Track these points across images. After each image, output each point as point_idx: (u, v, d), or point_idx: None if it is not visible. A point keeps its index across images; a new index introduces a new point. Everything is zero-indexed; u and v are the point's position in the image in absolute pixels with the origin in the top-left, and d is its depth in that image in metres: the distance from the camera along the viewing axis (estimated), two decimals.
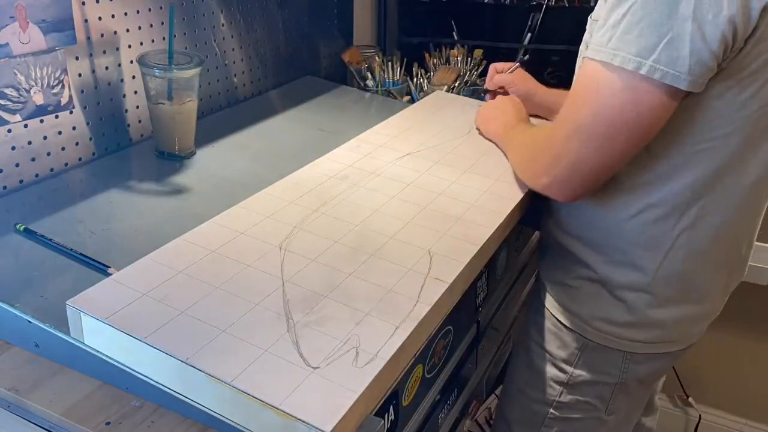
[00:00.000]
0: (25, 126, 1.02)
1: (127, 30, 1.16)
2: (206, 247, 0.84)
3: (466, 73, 1.64)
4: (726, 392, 1.88)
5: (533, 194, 1.10)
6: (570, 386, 1.06)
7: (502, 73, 1.32)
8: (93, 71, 1.12)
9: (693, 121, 0.86)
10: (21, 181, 1.04)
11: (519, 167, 1.04)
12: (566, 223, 1.03)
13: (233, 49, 1.42)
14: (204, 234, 0.87)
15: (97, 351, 0.72)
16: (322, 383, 0.64)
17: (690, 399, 1.92)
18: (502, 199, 1.02)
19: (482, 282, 0.99)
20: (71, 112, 1.09)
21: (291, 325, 0.71)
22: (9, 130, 1.00)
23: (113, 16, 1.13)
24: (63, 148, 1.09)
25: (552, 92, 1.30)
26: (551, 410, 1.08)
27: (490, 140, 1.20)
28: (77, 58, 1.08)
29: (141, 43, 1.19)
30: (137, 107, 1.21)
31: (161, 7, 1.21)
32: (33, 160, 1.05)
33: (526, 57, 1.33)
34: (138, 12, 1.17)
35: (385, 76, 1.64)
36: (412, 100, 1.59)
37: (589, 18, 0.98)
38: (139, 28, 1.18)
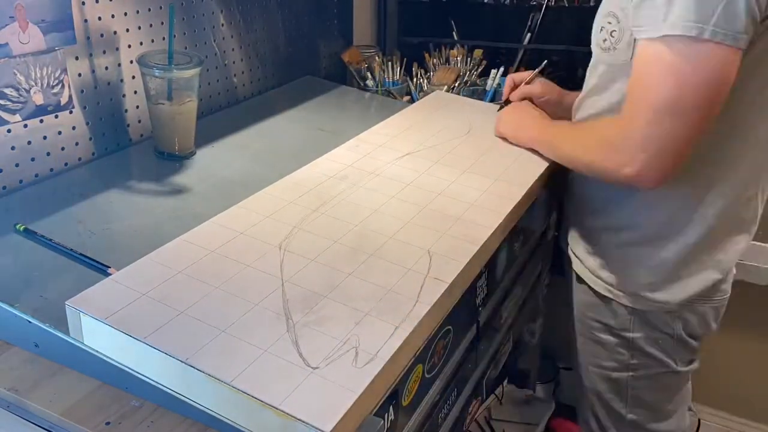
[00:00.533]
0: (25, 126, 1.02)
1: (127, 30, 1.16)
2: (206, 247, 0.84)
3: (465, 73, 1.64)
4: (726, 393, 1.88)
5: (533, 192, 1.10)
6: (635, 348, 1.13)
7: (521, 83, 1.30)
8: (93, 71, 1.12)
9: (748, 81, 0.93)
10: (21, 181, 1.04)
11: (589, 164, 1.03)
12: (590, 192, 1.12)
13: (233, 49, 1.42)
14: (204, 234, 0.87)
15: (97, 351, 0.72)
16: (321, 383, 0.64)
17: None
18: (502, 199, 1.02)
19: (482, 282, 0.99)
20: (71, 112, 1.09)
21: (291, 325, 0.71)
22: (9, 130, 1.00)
23: (113, 16, 1.13)
24: (63, 148, 1.09)
25: (575, 95, 1.27)
26: (629, 374, 1.16)
27: (523, 146, 1.19)
28: (77, 58, 1.08)
29: (141, 43, 1.19)
30: (137, 107, 1.21)
31: (161, 7, 1.21)
32: (33, 160, 1.05)
33: (545, 63, 1.33)
34: (138, 12, 1.17)
35: (385, 76, 1.64)
36: (412, 100, 1.59)
37: (603, 8, 1.02)
38: (139, 28, 1.18)
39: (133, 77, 1.19)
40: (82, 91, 1.11)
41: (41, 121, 1.05)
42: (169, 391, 0.68)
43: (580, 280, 1.18)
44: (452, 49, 1.70)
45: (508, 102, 1.30)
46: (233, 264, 0.81)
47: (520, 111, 1.25)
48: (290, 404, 0.61)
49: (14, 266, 0.86)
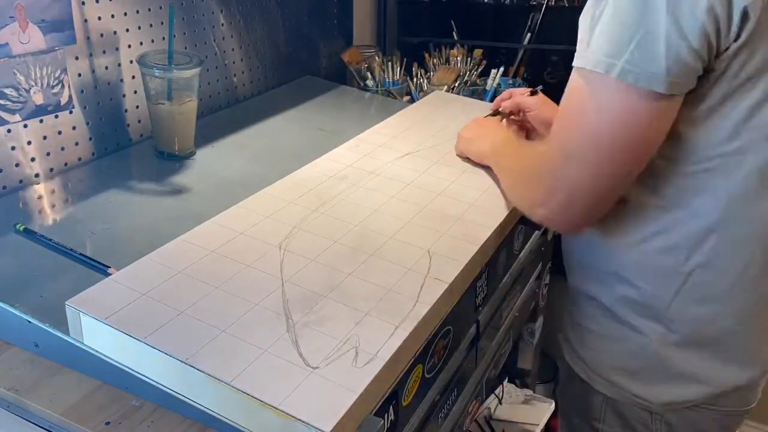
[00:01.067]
0: (25, 126, 1.02)
1: (127, 30, 1.16)
2: (206, 247, 0.84)
3: (465, 73, 1.64)
4: None
5: None
6: None
7: (516, 94, 1.22)
8: (93, 71, 1.12)
9: (695, 134, 0.76)
10: (21, 181, 1.04)
11: (512, 197, 0.96)
12: (567, 249, 0.96)
13: (233, 49, 1.42)
14: (203, 234, 0.87)
15: (97, 351, 0.72)
16: (321, 383, 0.64)
17: None
18: (502, 199, 1.02)
19: (482, 282, 0.99)
20: (71, 112, 1.09)
21: (290, 325, 0.71)
22: (9, 130, 1.00)
23: (113, 16, 1.13)
24: (62, 148, 1.09)
25: None
26: None
27: (476, 163, 1.11)
28: (77, 58, 1.08)
29: (141, 43, 1.19)
30: (137, 107, 1.21)
31: (161, 7, 1.21)
32: (33, 160, 1.05)
33: (540, 88, 1.24)
34: (138, 12, 1.17)
35: (385, 76, 1.64)
36: (412, 100, 1.59)
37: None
38: (139, 28, 1.18)
39: (133, 77, 1.19)
40: (82, 91, 1.11)
41: (41, 121, 1.05)
42: (169, 391, 0.68)
43: (561, 353, 1.02)
44: (452, 49, 1.70)
45: (497, 112, 1.24)
46: (233, 264, 0.81)
47: (479, 125, 1.16)
48: (290, 404, 0.61)
49: (14, 266, 0.86)
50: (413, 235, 0.90)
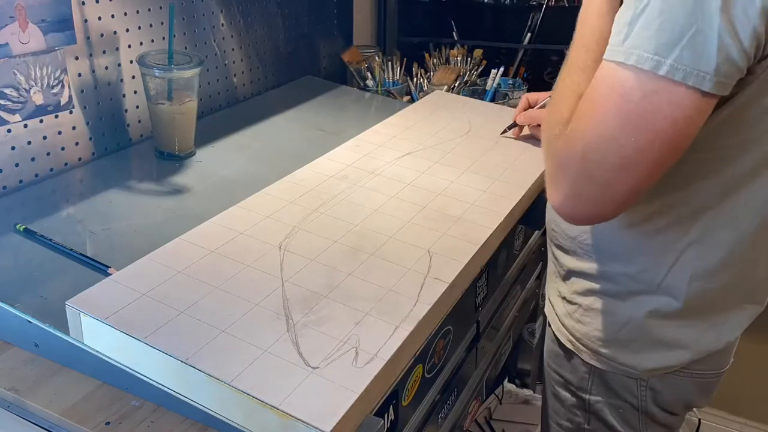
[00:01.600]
0: (25, 126, 1.02)
1: (127, 30, 1.16)
2: (206, 247, 0.84)
3: (465, 73, 1.64)
4: (726, 393, 1.88)
5: (533, 192, 1.10)
6: (591, 412, 0.96)
7: (535, 104, 1.22)
8: (93, 71, 1.12)
9: (705, 129, 0.74)
10: (21, 181, 1.04)
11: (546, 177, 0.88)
12: (557, 225, 0.95)
13: (233, 49, 1.42)
14: (203, 234, 0.87)
15: (97, 351, 0.72)
16: (321, 383, 0.64)
17: None
18: (502, 199, 1.02)
19: (482, 282, 0.99)
20: (71, 112, 1.09)
21: (291, 325, 0.71)
22: (9, 130, 1.00)
23: (113, 16, 1.13)
24: (63, 148, 1.09)
25: None
26: None
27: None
28: (77, 58, 1.08)
29: (141, 43, 1.19)
30: (137, 107, 1.21)
31: (161, 7, 1.21)
32: (33, 160, 1.05)
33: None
34: (138, 12, 1.17)
35: (385, 76, 1.64)
36: (412, 100, 1.59)
37: None
38: (139, 28, 1.18)
39: (133, 77, 1.19)
40: (82, 91, 1.11)
41: (41, 121, 1.05)
42: (169, 391, 0.68)
43: (548, 324, 1.03)
44: (452, 49, 1.70)
45: (514, 125, 1.24)
46: (233, 264, 0.81)
47: None
48: (290, 404, 0.61)
49: (14, 266, 0.86)
50: (413, 235, 0.90)
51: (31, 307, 0.77)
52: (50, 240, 0.89)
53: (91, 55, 1.11)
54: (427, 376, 0.84)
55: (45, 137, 1.06)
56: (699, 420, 1.90)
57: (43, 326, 0.74)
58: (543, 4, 1.70)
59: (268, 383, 0.63)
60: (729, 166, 0.80)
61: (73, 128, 1.11)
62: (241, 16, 1.42)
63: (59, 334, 0.73)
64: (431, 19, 1.85)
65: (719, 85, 0.69)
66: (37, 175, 1.06)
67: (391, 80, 1.64)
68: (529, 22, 1.72)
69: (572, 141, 0.77)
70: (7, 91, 0.98)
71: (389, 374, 0.70)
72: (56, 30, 1.02)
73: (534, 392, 1.71)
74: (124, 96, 1.19)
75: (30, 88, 1.01)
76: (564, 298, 0.96)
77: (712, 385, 0.95)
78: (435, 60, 1.69)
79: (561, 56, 1.73)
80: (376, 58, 1.68)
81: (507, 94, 1.60)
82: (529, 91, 1.63)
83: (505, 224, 0.98)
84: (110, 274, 0.80)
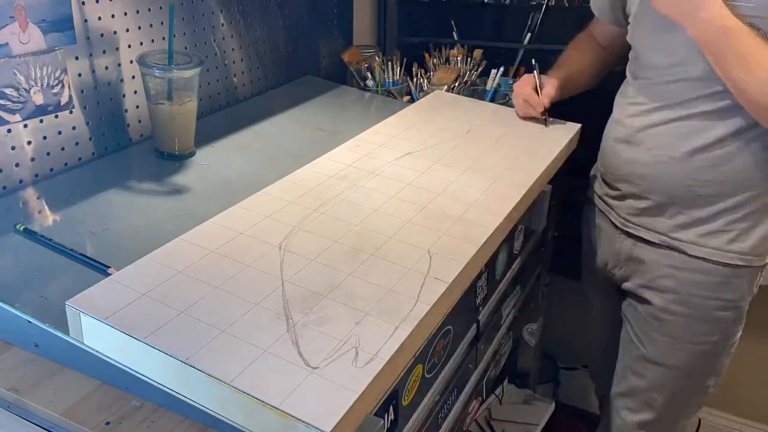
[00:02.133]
0: (25, 126, 1.02)
1: (127, 30, 1.16)
2: (206, 247, 0.84)
3: (466, 73, 1.64)
4: (726, 393, 1.88)
5: (533, 192, 1.10)
6: (742, 317, 1.19)
7: (536, 87, 1.31)
8: (93, 71, 1.12)
9: None
10: (21, 181, 1.04)
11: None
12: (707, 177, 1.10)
13: (233, 49, 1.42)
14: (203, 234, 0.87)
15: (97, 351, 0.72)
16: (321, 383, 0.64)
17: None
18: (502, 199, 1.02)
19: (482, 282, 0.99)
20: (71, 112, 1.09)
21: (291, 325, 0.71)
22: (9, 130, 1.00)
23: (113, 16, 1.13)
24: (63, 148, 1.09)
25: (561, 72, 1.33)
26: (729, 342, 1.21)
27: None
28: (77, 58, 1.08)
29: (141, 43, 1.19)
30: (137, 107, 1.21)
31: (161, 7, 1.21)
32: (33, 160, 1.05)
33: (534, 61, 1.36)
34: (138, 12, 1.17)
35: (385, 76, 1.64)
36: (412, 100, 1.59)
37: None
38: (139, 28, 1.18)
39: (133, 77, 1.19)
40: (82, 91, 1.11)
41: (41, 121, 1.05)
42: (169, 391, 0.68)
43: (694, 266, 1.17)
44: (452, 49, 1.70)
45: (545, 110, 1.30)
46: (233, 264, 0.81)
47: None
48: (290, 404, 0.61)
49: (14, 266, 0.86)
50: (413, 235, 0.90)
51: (31, 307, 0.77)
52: (50, 240, 0.89)
53: (91, 55, 1.11)
54: (427, 376, 0.84)
55: (45, 137, 1.06)
56: (699, 420, 1.90)
57: (43, 326, 0.74)
58: (543, 4, 1.69)
59: (268, 383, 0.63)
60: None
61: (73, 128, 1.11)
62: (241, 16, 1.42)
63: (59, 334, 0.73)
64: (431, 19, 1.85)
65: None
66: (37, 175, 1.06)
67: (391, 80, 1.64)
68: (529, 22, 1.72)
69: None
70: (7, 91, 0.98)
71: (389, 374, 0.70)
72: (56, 30, 1.02)
73: (534, 392, 1.71)
74: (124, 96, 1.19)
75: (30, 88, 1.01)
76: (719, 231, 1.13)
77: None
78: (435, 60, 1.69)
79: None
80: (376, 58, 1.68)
81: (507, 94, 1.60)
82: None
83: (505, 224, 0.98)
84: (110, 274, 0.80)
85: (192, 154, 1.18)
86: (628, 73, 1.22)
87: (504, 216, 0.97)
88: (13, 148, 1.02)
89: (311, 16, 1.65)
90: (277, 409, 0.61)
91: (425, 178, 1.07)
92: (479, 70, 1.66)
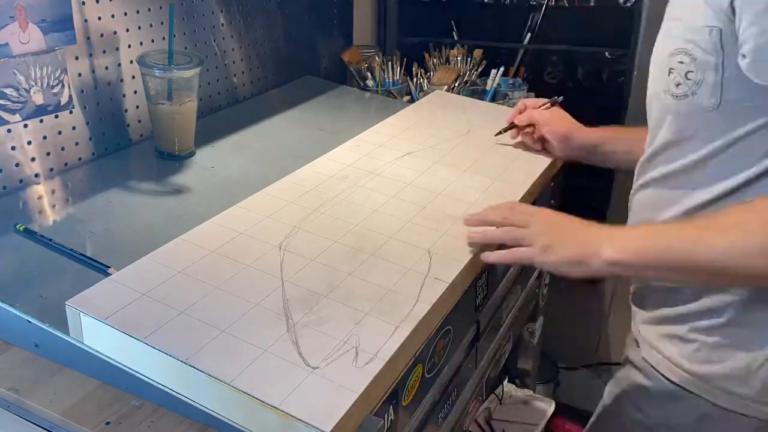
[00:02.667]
0: (25, 126, 1.02)
1: (127, 30, 1.16)
2: (206, 247, 0.84)
3: (465, 73, 1.64)
4: None
5: (533, 192, 1.10)
6: None
7: (533, 105, 1.18)
8: (93, 71, 1.12)
9: None
10: (21, 181, 1.04)
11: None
12: None
13: (233, 49, 1.42)
14: (203, 234, 0.87)
15: (97, 351, 0.72)
16: (321, 383, 0.64)
17: None
18: (502, 199, 1.02)
19: (482, 282, 0.99)
20: (71, 112, 1.09)
21: (290, 325, 0.71)
22: (9, 130, 1.00)
23: (113, 16, 1.13)
24: (63, 148, 1.09)
25: (592, 131, 1.12)
26: None
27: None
28: (77, 58, 1.08)
29: (141, 43, 1.19)
30: (137, 107, 1.21)
31: (161, 7, 1.21)
32: (33, 160, 1.05)
33: (561, 98, 1.18)
34: (138, 12, 1.17)
35: (385, 76, 1.64)
36: (412, 100, 1.59)
37: (670, 21, 0.83)
38: (139, 28, 1.18)
39: (133, 77, 1.19)
40: (82, 91, 1.11)
41: (41, 121, 1.05)
42: (169, 391, 0.68)
43: (643, 365, 0.94)
44: (452, 49, 1.70)
45: (512, 126, 1.19)
46: (233, 264, 0.81)
47: (556, 221, 0.88)
48: (290, 404, 0.61)
49: (14, 266, 0.86)
50: (413, 235, 0.90)
51: (31, 307, 0.77)
52: (50, 240, 0.89)
53: (91, 55, 1.11)
54: (427, 376, 0.84)
55: (45, 137, 1.06)
56: None
57: (43, 326, 0.74)
58: (543, 4, 1.70)
59: (268, 383, 0.63)
60: None
61: (73, 128, 1.10)
62: (241, 16, 1.42)
63: (59, 334, 0.73)
64: (431, 19, 1.85)
65: None
66: (37, 175, 1.06)
67: (391, 80, 1.64)
68: (529, 22, 1.72)
69: None
70: (7, 91, 0.98)
71: (389, 374, 0.70)
72: (56, 30, 1.02)
73: (534, 392, 1.71)
74: (124, 96, 1.19)
75: (30, 88, 1.01)
76: (678, 336, 0.88)
77: None
78: (435, 60, 1.69)
79: (561, 56, 1.74)
80: (376, 58, 1.68)
81: (507, 94, 1.60)
82: (529, 91, 1.63)
83: None
84: (110, 274, 0.80)
85: (192, 154, 1.18)
86: None
87: None
88: (13, 148, 1.02)
89: (311, 16, 1.65)
90: (277, 409, 0.61)
91: (425, 178, 1.07)
92: (479, 70, 1.66)
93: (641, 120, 0.95)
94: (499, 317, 1.15)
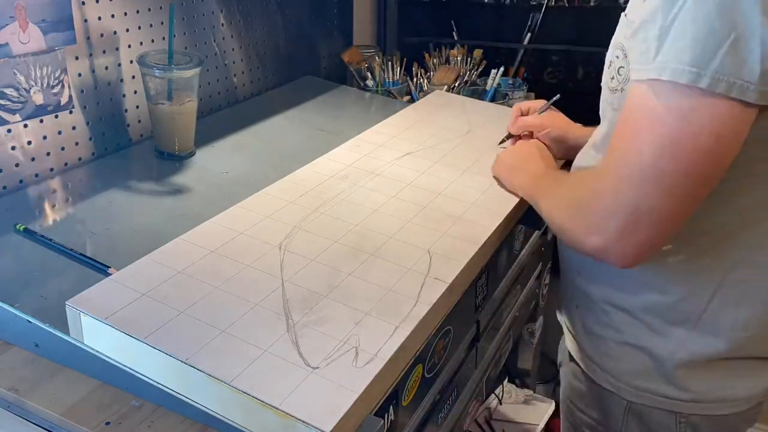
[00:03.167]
0: (25, 126, 1.02)
1: (127, 30, 1.16)
2: (206, 247, 0.84)
3: (465, 73, 1.64)
4: None
5: None
6: None
7: (528, 113, 1.17)
8: (93, 71, 1.12)
9: (747, 146, 0.69)
10: (21, 181, 1.04)
11: (559, 227, 0.83)
12: (578, 257, 0.91)
13: (233, 49, 1.42)
14: (203, 234, 0.87)
15: (97, 351, 0.72)
16: (321, 383, 0.64)
17: None
18: (502, 199, 1.02)
19: (482, 282, 0.99)
20: (71, 112, 1.09)
21: (290, 325, 0.71)
22: (9, 130, 1.00)
23: (113, 16, 1.13)
24: (63, 148, 1.09)
25: (588, 130, 1.08)
26: None
27: (515, 194, 1.02)
28: (77, 58, 1.08)
29: (141, 43, 1.19)
30: (137, 107, 1.21)
31: (161, 7, 1.21)
32: (33, 160, 1.05)
33: (558, 97, 1.17)
34: (138, 12, 1.17)
35: (385, 76, 1.64)
36: (412, 100, 1.59)
37: (623, 16, 0.82)
38: (139, 28, 1.18)
39: (133, 77, 1.19)
40: (82, 91, 1.11)
41: (41, 121, 1.05)
42: (169, 391, 0.68)
43: (571, 358, 0.97)
44: (452, 49, 1.70)
45: (510, 135, 1.18)
46: (233, 264, 0.81)
47: (517, 153, 1.08)
48: (290, 404, 0.61)
49: (14, 266, 0.86)
50: (413, 235, 0.90)
51: (31, 307, 0.77)
52: (50, 240, 0.89)
53: (91, 55, 1.11)
54: (427, 376, 0.84)
55: (45, 137, 1.06)
56: None
57: (43, 326, 0.74)
58: (543, 4, 1.70)
59: (268, 383, 0.63)
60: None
61: (73, 128, 1.11)
62: (241, 16, 1.42)
63: (59, 334, 0.73)
64: (431, 19, 1.85)
65: (764, 95, 0.64)
66: (37, 175, 1.06)
67: (391, 80, 1.64)
68: (529, 22, 1.73)
69: (606, 176, 0.72)
70: (7, 91, 0.98)
71: (389, 374, 0.70)
72: (56, 30, 1.02)
73: (534, 392, 1.71)
74: (124, 96, 1.19)
75: (30, 88, 1.01)
76: (592, 332, 0.91)
77: (757, 414, 0.89)
78: (435, 60, 1.69)
79: (561, 56, 1.74)
80: (376, 58, 1.68)
81: (507, 94, 1.60)
82: (529, 91, 1.63)
83: (505, 224, 0.98)
84: (110, 274, 0.80)
85: (192, 154, 1.18)
86: None
87: (504, 216, 0.97)
88: (13, 148, 1.02)
89: (311, 16, 1.65)
90: (277, 409, 0.61)
91: (425, 178, 1.07)
92: (479, 70, 1.66)
93: None
94: (499, 317, 1.15)
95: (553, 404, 1.66)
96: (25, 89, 1.01)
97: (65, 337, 0.73)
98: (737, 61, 0.63)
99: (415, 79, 1.65)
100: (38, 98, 1.03)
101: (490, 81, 1.60)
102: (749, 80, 0.63)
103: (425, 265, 0.84)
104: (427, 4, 1.87)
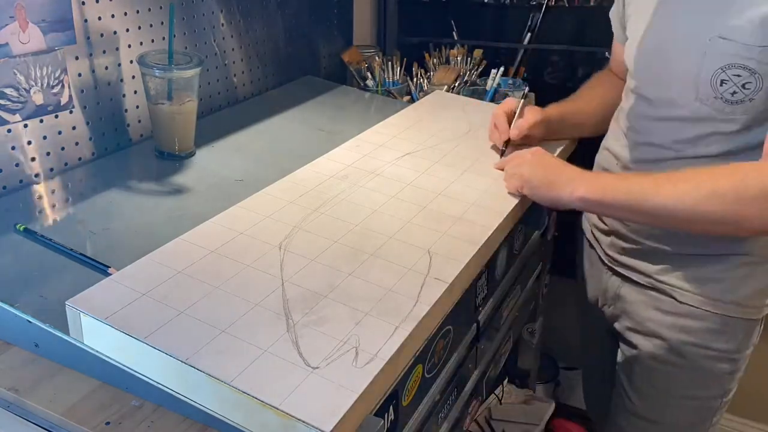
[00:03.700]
0: (25, 126, 1.02)
1: (127, 30, 1.16)
2: (206, 247, 0.84)
3: (465, 73, 1.64)
4: (740, 396, 1.87)
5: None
6: (740, 369, 1.12)
7: (511, 113, 1.18)
8: (93, 71, 1.12)
9: None
10: (21, 181, 1.04)
11: (721, 217, 0.88)
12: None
13: (233, 49, 1.42)
14: (203, 234, 0.87)
15: (97, 351, 0.72)
16: (321, 383, 0.64)
17: None
18: (502, 199, 1.02)
19: (482, 282, 0.99)
20: (71, 112, 1.09)
21: (291, 325, 0.71)
22: (9, 130, 1.00)
23: (113, 16, 1.13)
24: (63, 148, 1.09)
25: (562, 106, 1.21)
26: (723, 399, 1.13)
27: (570, 206, 1.00)
28: (77, 58, 1.08)
29: (141, 43, 1.19)
30: (137, 107, 1.21)
31: (161, 7, 1.21)
32: (33, 159, 1.05)
33: (527, 90, 1.27)
34: (138, 12, 1.17)
35: (385, 76, 1.64)
36: (412, 100, 1.59)
37: (713, 40, 0.91)
38: (139, 28, 1.18)
39: (133, 77, 1.19)
40: (82, 91, 1.11)
41: (41, 121, 1.05)
42: (169, 391, 0.68)
43: (684, 311, 1.07)
44: (452, 49, 1.70)
45: (508, 141, 1.16)
46: (233, 264, 0.81)
47: (536, 164, 1.03)
48: (290, 404, 0.61)
49: (14, 266, 0.86)
50: (413, 235, 0.90)
51: (31, 307, 0.77)
52: (50, 240, 0.89)
53: (91, 55, 1.11)
54: (427, 376, 0.84)
55: (45, 137, 1.06)
56: None
57: (43, 326, 0.74)
58: (543, 4, 1.69)
59: (268, 383, 0.63)
60: None
61: (73, 128, 1.11)
62: (241, 16, 1.42)
63: (59, 334, 0.73)
64: (431, 19, 1.85)
65: None
66: (37, 175, 1.06)
67: (391, 80, 1.64)
68: (529, 22, 1.72)
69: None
70: (7, 91, 0.98)
71: (389, 374, 0.70)
72: (56, 30, 1.02)
73: (534, 392, 1.71)
74: (124, 96, 1.19)
75: (30, 88, 1.01)
76: (710, 279, 1.04)
77: None
78: (435, 60, 1.69)
79: (561, 56, 1.74)
80: (376, 58, 1.68)
81: (507, 94, 1.60)
82: (529, 91, 1.63)
83: (505, 224, 0.98)
84: (110, 274, 0.80)
85: (192, 154, 1.18)
86: (623, 97, 1.13)
87: (504, 216, 0.97)
88: (13, 148, 1.02)
89: (311, 16, 1.65)
90: (277, 409, 0.61)
91: (425, 178, 1.07)
92: (479, 70, 1.66)
93: None
94: (499, 317, 1.15)
95: (553, 404, 1.66)
96: (25, 89, 1.01)
97: (65, 337, 0.73)
98: None
99: (415, 79, 1.65)
100: (38, 98, 1.03)
101: (490, 81, 1.60)
102: None
103: (425, 265, 0.84)
104: (427, 4, 1.86)
